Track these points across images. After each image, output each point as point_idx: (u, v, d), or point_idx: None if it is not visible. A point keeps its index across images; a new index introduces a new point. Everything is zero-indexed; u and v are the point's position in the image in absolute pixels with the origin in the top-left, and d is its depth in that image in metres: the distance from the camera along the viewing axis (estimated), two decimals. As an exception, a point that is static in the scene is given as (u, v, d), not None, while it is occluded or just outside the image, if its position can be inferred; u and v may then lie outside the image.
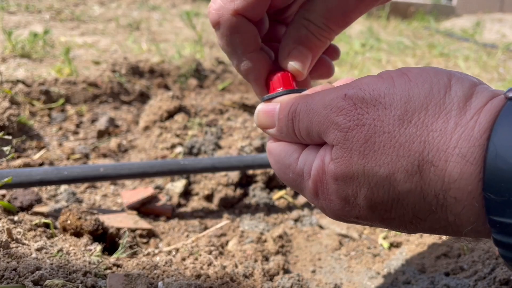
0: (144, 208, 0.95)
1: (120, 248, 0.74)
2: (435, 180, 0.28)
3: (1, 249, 0.58)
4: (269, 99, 0.41)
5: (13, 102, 1.28)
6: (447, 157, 0.27)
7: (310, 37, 0.41)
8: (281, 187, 1.08)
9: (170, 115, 1.36)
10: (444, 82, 0.30)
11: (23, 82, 1.42)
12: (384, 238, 0.92)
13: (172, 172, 0.92)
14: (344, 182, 0.32)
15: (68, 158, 1.12)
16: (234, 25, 0.39)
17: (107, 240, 0.77)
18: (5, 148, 1.02)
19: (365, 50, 3.06)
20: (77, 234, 0.74)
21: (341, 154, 0.32)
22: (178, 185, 1.02)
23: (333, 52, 0.48)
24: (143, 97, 1.63)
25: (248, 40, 0.41)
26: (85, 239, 0.73)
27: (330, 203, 0.34)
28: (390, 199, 0.30)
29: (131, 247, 0.77)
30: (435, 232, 0.32)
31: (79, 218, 0.75)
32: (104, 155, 1.17)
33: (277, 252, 0.84)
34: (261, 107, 0.40)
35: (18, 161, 1.00)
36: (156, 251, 0.78)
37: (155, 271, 0.64)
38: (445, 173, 0.27)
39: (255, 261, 0.78)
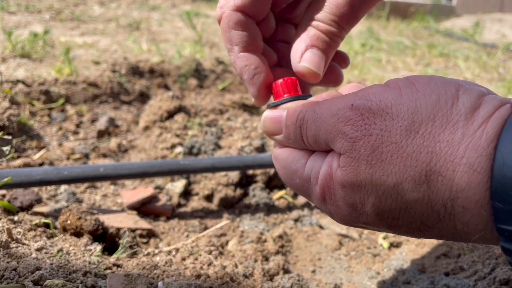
0: (144, 208, 0.95)
1: (120, 248, 0.74)
2: (443, 189, 0.28)
3: (1, 249, 0.58)
4: (275, 106, 0.41)
5: (13, 102, 1.28)
6: (454, 167, 0.28)
7: (321, 37, 0.40)
8: (281, 187, 1.08)
9: (170, 115, 1.36)
10: (451, 92, 0.30)
11: (23, 82, 1.42)
12: (384, 238, 0.92)
13: (172, 172, 0.92)
14: (351, 189, 0.32)
15: (68, 158, 1.12)
16: (233, 21, 0.40)
17: (107, 240, 0.77)
18: (5, 148, 1.02)
19: (365, 50, 3.06)
20: (77, 234, 0.74)
21: (349, 163, 0.32)
22: (178, 185, 1.02)
23: (342, 59, 0.47)
24: (143, 97, 1.63)
25: (246, 38, 0.41)
26: (85, 239, 0.73)
27: (337, 209, 0.35)
28: (398, 208, 0.31)
29: (131, 247, 0.78)
30: (443, 238, 0.32)
31: (79, 218, 0.75)
32: (104, 155, 1.17)
33: (277, 252, 0.84)
34: (267, 113, 0.40)
35: (18, 161, 1.00)
36: (156, 251, 0.78)
37: (155, 271, 0.64)
38: (453, 182, 0.28)
39: (255, 261, 0.78)
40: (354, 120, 0.31)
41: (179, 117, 1.33)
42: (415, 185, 0.29)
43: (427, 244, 0.87)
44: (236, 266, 0.75)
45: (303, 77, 0.41)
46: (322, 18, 0.40)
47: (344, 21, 0.40)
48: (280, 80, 0.42)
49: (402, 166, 0.29)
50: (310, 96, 0.41)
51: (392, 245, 0.90)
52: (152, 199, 0.97)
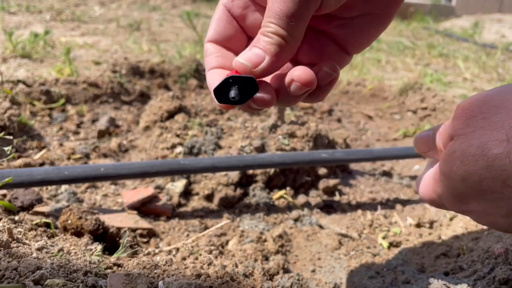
0: (145, 207, 0.95)
1: (120, 247, 0.74)
2: None
3: (2, 248, 0.59)
4: (218, 87, 0.42)
5: (13, 102, 1.28)
6: None
7: (261, 38, 0.42)
8: (281, 187, 1.08)
9: (171, 115, 1.36)
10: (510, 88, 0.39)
11: (24, 82, 1.42)
12: (384, 237, 0.92)
13: (172, 172, 0.92)
14: (444, 160, 0.42)
15: (68, 158, 1.12)
16: (206, 50, 0.49)
17: (108, 239, 0.77)
18: (6, 148, 1.02)
19: (365, 50, 3.06)
20: (78, 233, 0.75)
21: (453, 142, 0.42)
22: (178, 185, 1.03)
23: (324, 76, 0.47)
24: (144, 97, 1.64)
25: (214, 60, 0.48)
26: (85, 238, 0.73)
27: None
28: (480, 168, 0.38)
29: (131, 246, 0.78)
30: None
31: (80, 218, 0.75)
32: (105, 155, 1.18)
33: (277, 252, 0.84)
34: (418, 135, 0.51)
35: (19, 161, 1.00)
36: (157, 250, 0.79)
37: (155, 271, 0.65)
38: None
39: (255, 260, 0.78)
40: (457, 120, 0.42)
41: (180, 117, 1.33)
42: (498, 142, 0.37)
43: (426, 244, 0.87)
44: (236, 266, 0.75)
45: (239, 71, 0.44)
46: (263, 23, 0.42)
47: (278, 18, 0.41)
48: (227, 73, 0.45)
49: (489, 130, 0.38)
50: (251, 76, 0.42)
51: (392, 245, 0.90)
52: (153, 198, 0.97)
